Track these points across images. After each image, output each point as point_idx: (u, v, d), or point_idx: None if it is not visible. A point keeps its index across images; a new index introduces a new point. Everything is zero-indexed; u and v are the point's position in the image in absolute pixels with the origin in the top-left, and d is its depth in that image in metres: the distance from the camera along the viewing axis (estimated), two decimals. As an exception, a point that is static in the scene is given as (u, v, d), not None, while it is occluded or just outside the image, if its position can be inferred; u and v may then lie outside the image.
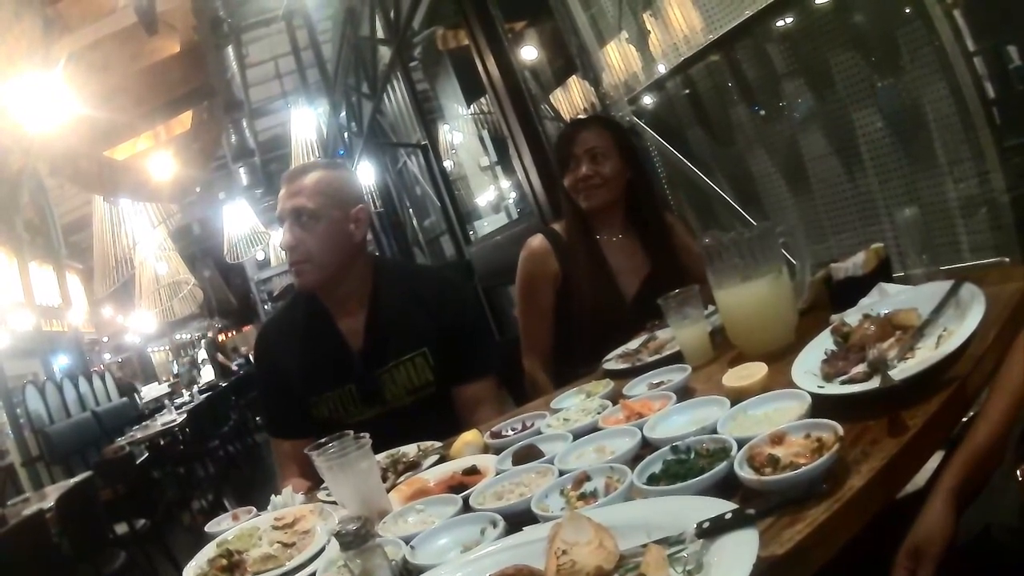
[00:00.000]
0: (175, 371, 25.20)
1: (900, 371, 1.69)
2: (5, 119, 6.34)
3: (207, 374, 21.45)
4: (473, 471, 2.37)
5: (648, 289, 3.38)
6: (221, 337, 25.37)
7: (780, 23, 4.29)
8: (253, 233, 12.15)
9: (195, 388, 18.05)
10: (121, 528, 7.16)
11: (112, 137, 7.41)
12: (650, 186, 3.69)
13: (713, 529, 1.34)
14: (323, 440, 2.34)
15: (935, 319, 1.89)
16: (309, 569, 2.01)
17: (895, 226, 3.68)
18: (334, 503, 2.37)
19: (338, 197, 3.13)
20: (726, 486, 1.56)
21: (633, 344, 3.02)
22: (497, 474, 2.22)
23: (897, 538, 1.63)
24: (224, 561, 2.19)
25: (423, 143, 9.20)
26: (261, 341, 3.48)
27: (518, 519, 1.84)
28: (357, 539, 1.63)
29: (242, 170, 14.88)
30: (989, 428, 1.66)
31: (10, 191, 14.03)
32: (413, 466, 2.63)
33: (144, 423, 13.44)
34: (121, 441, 11.14)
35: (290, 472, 3.13)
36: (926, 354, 1.76)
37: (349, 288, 3.17)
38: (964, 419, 1.75)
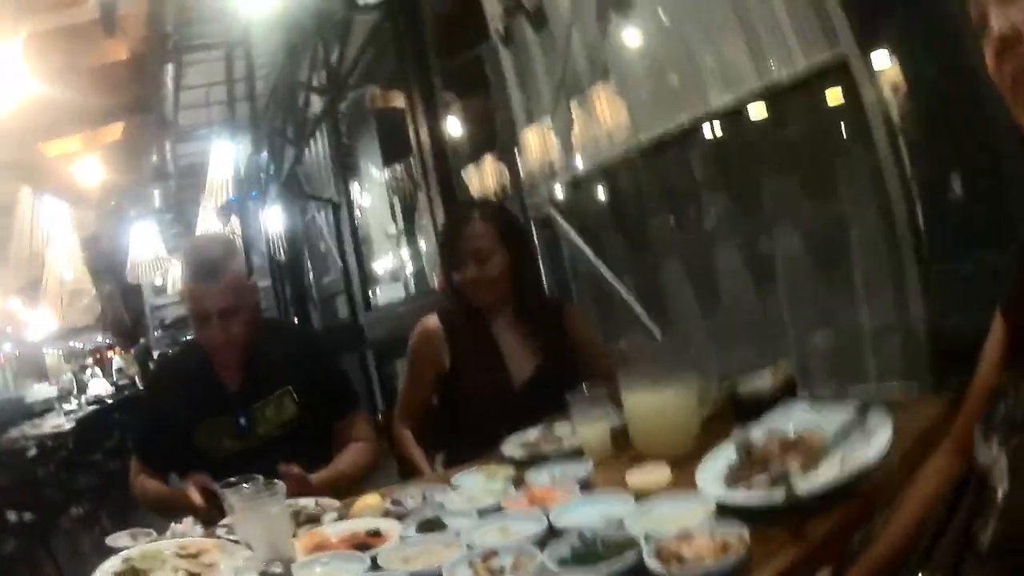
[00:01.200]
0: (67, 376, 24.72)
1: (803, 485, 1.76)
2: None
3: (95, 387, 21.05)
4: (376, 533, 2.38)
5: (539, 378, 3.44)
6: (110, 354, 24.92)
7: (709, 135, 4.33)
8: (156, 258, 12.07)
9: (83, 398, 17.71)
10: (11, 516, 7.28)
11: (52, 130, 7.35)
12: (537, 276, 3.83)
13: None
14: (234, 480, 2.41)
15: (840, 440, 1.95)
16: None
17: (805, 347, 3.74)
18: (236, 541, 2.38)
19: (249, 287, 3.51)
20: None
21: (532, 434, 3.04)
22: (402, 539, 2.26)
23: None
24: None
25: (335, 200, 9.27)
26: (158, 371, 3.88)
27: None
28: None
29: (157, 192, 14.73)
30: (886, 548, 1.71)
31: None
32: (313, 519, 2.66)
33: (34, 420, 13.23)
34: (14, 433, 11.02)
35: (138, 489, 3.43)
36: (829, 471, 1.83)
37: (235, 357, 3.47)
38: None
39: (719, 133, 4.30)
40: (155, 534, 2.63)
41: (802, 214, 3.84)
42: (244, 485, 2.37)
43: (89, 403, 16.26)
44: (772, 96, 3.83)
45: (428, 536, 2.24)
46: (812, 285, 3.82)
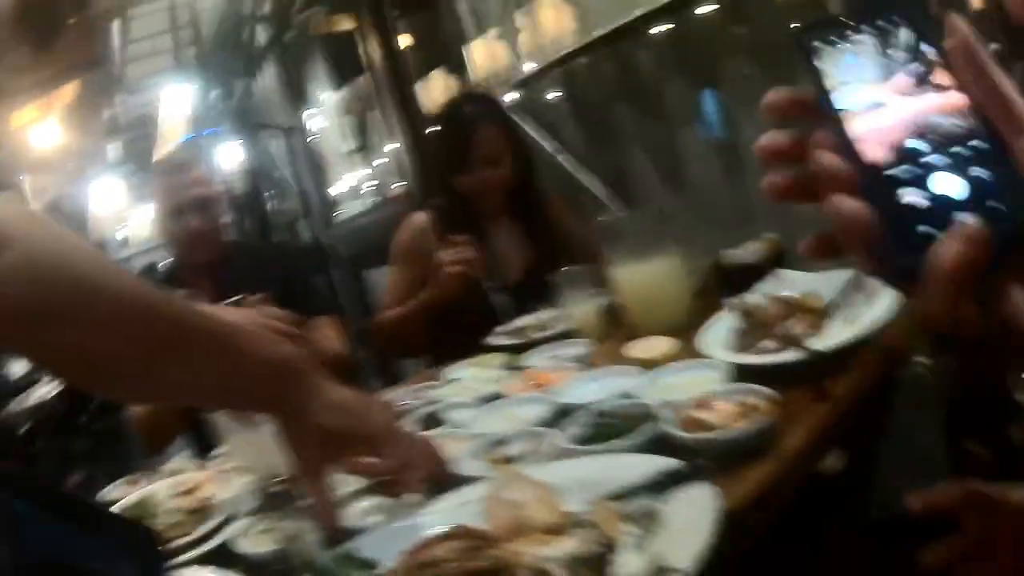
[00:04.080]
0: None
1: (816, 345, 1.73)
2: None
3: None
4: None
5: (530, 276, 3.38)
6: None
7: (664, 28, 4.34)
8: (116, 212, 12.04)
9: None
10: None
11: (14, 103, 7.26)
12: (534, 175, 3.64)
13: (666, 483, 1.33)
14: None
15: (841, 302, 1.91)
16: (219, 537, 1.91)
17: (786, 223, 3.71)
18: (229, 470, 2.31)
19: (216, 188, 3.65)
20: (653, 449, 1.53)
21: (518, 323, 3.03)
22: None
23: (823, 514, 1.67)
24: None
25: (287, 126, 9.26)
26: None
27: (438, 484, 1.76)
28: (283, 500, 1.65)
29: (112, 147, 14.61)
30: None
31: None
32: None
33: (19, 396, 13.14)
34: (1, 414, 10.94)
35: None
36: (840, 331, 1.79)
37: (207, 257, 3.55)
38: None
39: (673, 24, 4.30)
40: (144, 480, 2.52)
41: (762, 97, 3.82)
42: None
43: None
44: None
45: (430, 433, 2.11)
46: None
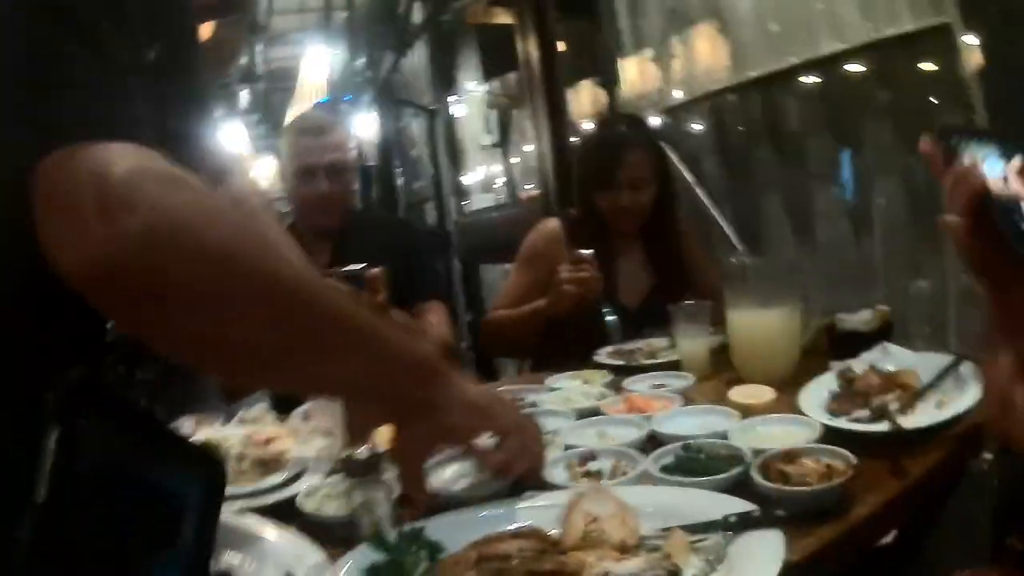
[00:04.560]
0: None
1: (905, 422, 1.80)
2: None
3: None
4: None
5: (650, 303, 3.40)
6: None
7: (813, 79, 4.37)
8: (239, 156, 12.06)
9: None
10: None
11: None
12: (675, 205, 3.64)
13: (740, 524, 1.40)
14: None
15: (936, 385, 1.98)
16: (286, 492, 1.95)
17: (899, 294, 3.77)
18: (311, 429, 2.33)
19: (352, 156, 3.68)
20: (734, 490, 1.60)
21: (628, 345, 3.08)
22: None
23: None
24: None
25: (432, 108, 9.28)
26: None
27: (519, 484, 1.78)
28: (366, 468, 1.61)
29: (244, 93, 14.70)
30: None
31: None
32: None
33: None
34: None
35: None
36: (928, 412, 1.87)
37: (332, 222, 3.58)
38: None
39: (822, 79, 4.33)
40: (223, 420, 2.53)
41: (900, 166, 3.87)
42: None
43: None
44: (877, 50, 3.89)
45: None
46: (908, 235, 3.85)
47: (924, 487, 1.69)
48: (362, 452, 1.63)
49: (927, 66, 3.81)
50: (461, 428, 1.56)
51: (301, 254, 1.45)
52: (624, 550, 1.36)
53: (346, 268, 2.62)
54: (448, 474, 1.81)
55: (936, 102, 3.74)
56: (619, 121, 3.67)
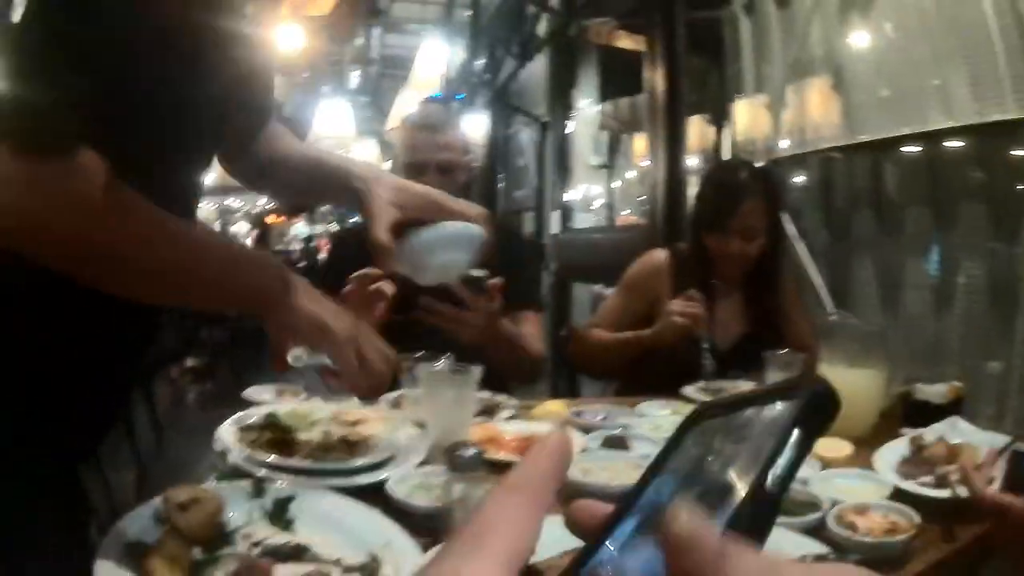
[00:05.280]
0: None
1: (963, 492, 1.99)
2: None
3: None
4: None
5: (741, 346, 3.51)
6: (271, 218, 25.38)
7: (916, 149, 4.50)
8: (340, 136, 12.10)
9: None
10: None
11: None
12: (782, 259, 3.68)
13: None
14: (426, 353, 2.57)
15: (992, 462, 2.20)
16: (376, 475, 1.96)
17: (971, 372, 3.87)
18: (402, 417, 2.38)
19: (468, 156, 3.58)
20: (809, 532, 1.78)
21: (716, 384, 3.19)
22: (583, 452, 2.27)
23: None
24: (274, 434, 2.10)
25: (545, 120, 9.42)
26: (338, 246, 3.99)
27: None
28: (471, 464, 1.64)
29: (356, 73, 14.89)
30: None
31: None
32: (488, 411, 2.70)
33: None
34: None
35: None
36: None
37: None
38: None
39: (925, 152, 4.45)
40: (304, 394, 2.62)
41: (987, 248, 4.00)
42: (439, 363, 2.45)
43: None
44: (980, 131, 3.98)
45: (612, 453, 2.27)
46: (986, 317, 3.98)
47: (969, 553, 1.86)
48: (468, 449, 1.66)
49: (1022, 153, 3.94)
50: (310, 315, 1.68)
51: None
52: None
53: (472, 274, 2.65)
54: None
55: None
56: (743, 168, 3.68)
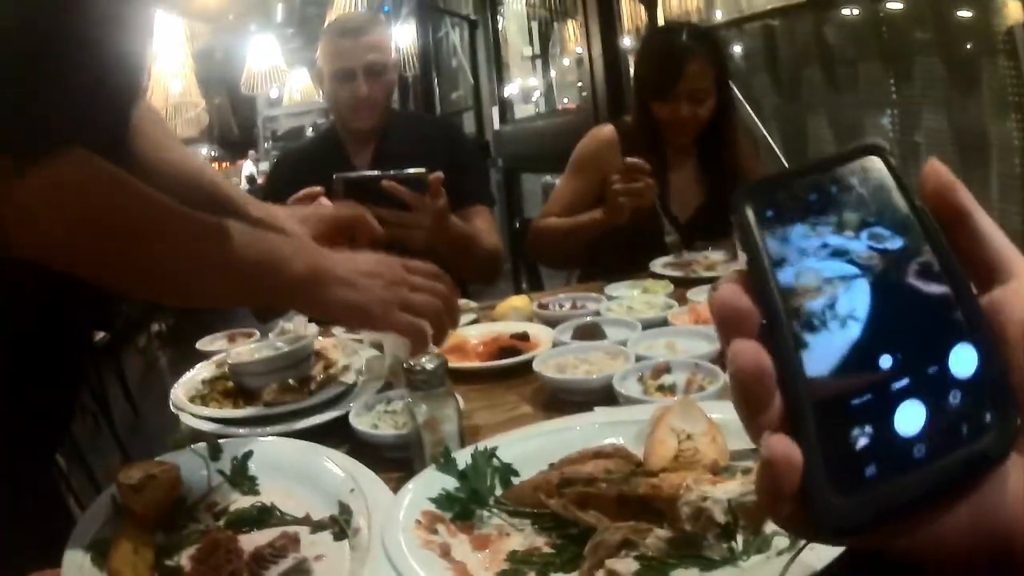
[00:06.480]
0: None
1: None
2: None
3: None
4: (525, 337, 2.30)
5: (702, 215, 3.43)
6: (215, 166, 25.15)
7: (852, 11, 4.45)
8: (274, 70, 12.05)
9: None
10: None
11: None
12: (733, 117, 3.56)
13: None
14: None
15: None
16: (337, 410, 1.83)
17: None
18: (358, 340, 2.26)
19: (393, 57, 3.52)
20: None
21: (685, 256, 3.13)
22: (554, 346, 2.17)
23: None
24: (229, 384, 2.00)
25: (473, 18, 9.23)
26: (278, 166, 3.95)
27: (589, 396, 1.79)
28: (432, 380, 1.48)
29: (280, 6, 14.70)
30: None
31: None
32: None
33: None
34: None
35: None
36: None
37: (371, 124, 3.46)
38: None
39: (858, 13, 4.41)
40: (258, 335, 2.49)
41: (951, 105, 3.89)
42: None
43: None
44: None
45: (587, 344, 2.12)
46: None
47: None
48: (428, 361, 1.49)
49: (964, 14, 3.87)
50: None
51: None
52: (716, 471, 1.22)
53: (408, 171, 2.65)
54: None
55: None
56: (683, 30, 3.49)
